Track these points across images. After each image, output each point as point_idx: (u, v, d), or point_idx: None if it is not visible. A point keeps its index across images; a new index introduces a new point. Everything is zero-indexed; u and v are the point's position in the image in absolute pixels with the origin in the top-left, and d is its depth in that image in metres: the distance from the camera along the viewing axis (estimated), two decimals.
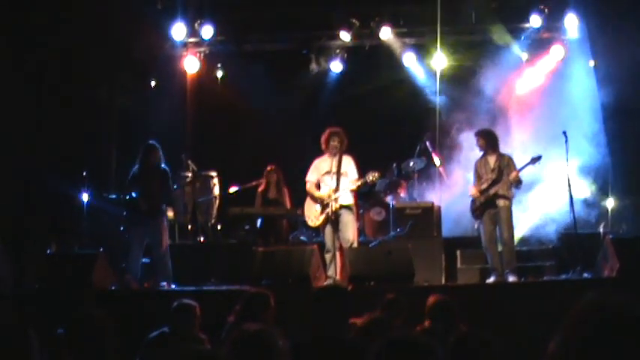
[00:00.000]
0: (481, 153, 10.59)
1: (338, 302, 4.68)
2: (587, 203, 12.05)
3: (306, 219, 10.50)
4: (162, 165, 10.50)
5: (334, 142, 10.18)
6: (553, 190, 11.87)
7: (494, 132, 10.71)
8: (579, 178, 11.93)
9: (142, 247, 10.30)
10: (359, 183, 10.20)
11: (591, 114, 12.28)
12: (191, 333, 6.50)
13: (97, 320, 4.42)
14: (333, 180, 10.16)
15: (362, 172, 10.32)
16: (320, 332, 4.52)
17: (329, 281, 9.86)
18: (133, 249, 10.22)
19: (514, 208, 10.52)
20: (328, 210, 10.07)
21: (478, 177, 10.47)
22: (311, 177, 10.42)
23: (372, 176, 10.17)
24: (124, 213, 10.85)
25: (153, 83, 14.17)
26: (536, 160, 10.35)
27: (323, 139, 10.28)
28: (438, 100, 13.82)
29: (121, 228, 11.22)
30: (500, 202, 10.20)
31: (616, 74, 11.60)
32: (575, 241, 10.53)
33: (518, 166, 10.34)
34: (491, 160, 10.41)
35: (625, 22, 11.43)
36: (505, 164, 10.33)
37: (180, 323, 6.54)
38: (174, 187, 11.47)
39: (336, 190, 10.10)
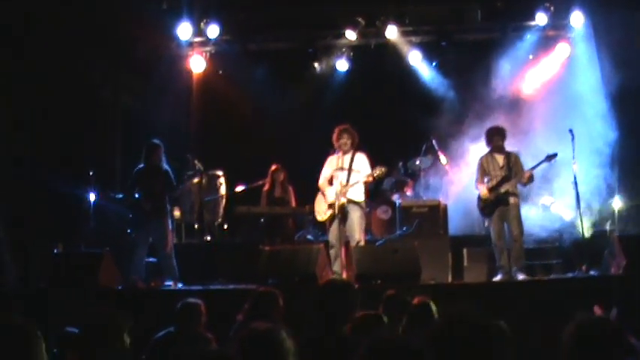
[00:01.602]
0: (488, 149, 10.55)
1: (344, 296, 4.63)
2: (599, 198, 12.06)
3: (316, 214, 10.54)
4: (164, 165, 10.52)
5: (343, 139, 10.22)
6: (561, 187, 11.84)
7: (505, 129, 10.68)
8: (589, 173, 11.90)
9: (146, 247, 10.35)
10: (365, 178, 10.18)
11: (599, 109, 12.26)
12: (197, 332, 6.48)
13: (113, 319, 4.43)
14: (343, 176, 10.19)
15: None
16: (327, 328, 4.49)
17: (334, 277, 9.85)
18: (138, 249, 10.25)
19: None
20: (336, 204, 10.07)
21: (483, 173, 10.43)
22: (325, 172, 10.48)
23: (378, 170, 10.14)
24: (130, 215, 10.87)
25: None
26: (551, 157, 10.27)
27: (333, 137, 10.34)
28: (444, 98, 13.85)
29: (128, 230, 11.23)
30: (511, 200, 10.19)
31: (621, 59, 11.60)
32: (582, 239, 10.50)
33: (533, 163, 10.30)
34: (499, 157, 10.38)
35: (629, 10, 11.46)
36: (513, 161, 10.31)
37: (186, 322, 6.52)
38: (180, 186, 11.48)
39: (346, 185, 10.11)
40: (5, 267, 10.40)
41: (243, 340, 3.39)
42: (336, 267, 9.98)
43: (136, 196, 10.39)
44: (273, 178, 12.23)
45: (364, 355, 2.83)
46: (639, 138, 11.88)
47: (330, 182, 10.36)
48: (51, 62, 11.69)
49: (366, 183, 10.28)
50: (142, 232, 10.37)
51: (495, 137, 10.47)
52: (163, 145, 10.63)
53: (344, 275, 9.84)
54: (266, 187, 12.28)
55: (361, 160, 10.30)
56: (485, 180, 10.40)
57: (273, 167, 12.24)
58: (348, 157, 10.26)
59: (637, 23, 11.66)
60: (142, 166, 10.51)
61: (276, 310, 6.20)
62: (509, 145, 10.72)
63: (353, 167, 10.21)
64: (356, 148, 10.33)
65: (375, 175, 10.17)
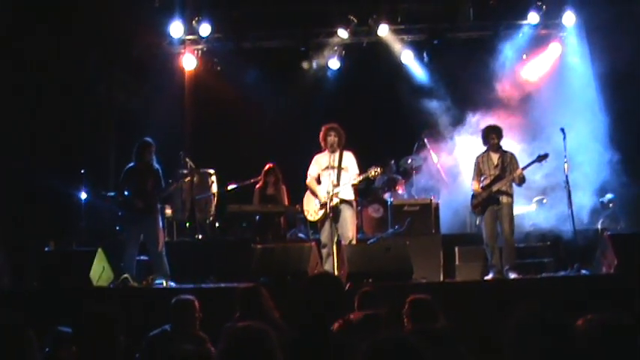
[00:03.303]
0: (484, 148, 10.51)
1: (331, 291, 4.61)
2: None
3: (305, 213, 10.49)
4: (155, 163, 10.51)
5: (331, 138, 10.21)
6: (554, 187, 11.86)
7: (501, 127, 10.64)
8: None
9: (137, 245, 10.32)
10: (360, 177, 10.20)
11: (591, 109, 12.30)
12: (192, 330, 6.47)
13: (108, 317, 4.42)
14: (333, 175, 10.17)
15: (362, 168, 10.31)
16: (315, 324, 4.48)
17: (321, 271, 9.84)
18: (129, 247, 10.23)
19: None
20: (328, 203, 10.07)
21: (479, 172, 10.42)
22: (312, 171, 10.44)
23: (373, 171, 10.14)
24: (119, 213, 10.86)
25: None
26: (542, 158, 10.25)
27: (321, 136, 10.31)
28: (435, 97, 13.86)
29: (117, 228, 11.23)
30: (503, 199, 10.18)
31: (612, 55, 11.67)
32: (574, 238, 10.52)
33: (524, 163, 10.30)
34: (495, 156, 10.36)
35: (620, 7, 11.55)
36: (508, 161, 10.29)
37: (180, 320, 6.52)
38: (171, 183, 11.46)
39: (337, 184, 10.10)
40: None
41: (228, 339, 3.40)
42: (328, 265, 9.98)
43: (126, 193, 10.36)
44: (266, 177, 12.21)
45: (367, 354, 2.82)
46: (632, 129, 11.98)
47: (318, 181, 10.36)
48: (44, 60, 11.68)
49: (357, 183, 10.28)
50: (133, 231, 10.34)
51: (491, 135, 10.42)
52: (156, 143, 10.61)
53: (336, 274, 9.83)
54: (258, 185, 12.27)
55: (349, 159, 10.30)
56: (482, 179, 10.39)
57: (267, 166, 12.23)
58: (336, 155, 10.25)
59: (627, 19, 11.74)
60: (133, 164, 10.47)
61: (263, 306, 6.21)
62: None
63: (342, 165, 10.22)
64: (343, 146, 10.32)
65: (370, 175, 10.17)
